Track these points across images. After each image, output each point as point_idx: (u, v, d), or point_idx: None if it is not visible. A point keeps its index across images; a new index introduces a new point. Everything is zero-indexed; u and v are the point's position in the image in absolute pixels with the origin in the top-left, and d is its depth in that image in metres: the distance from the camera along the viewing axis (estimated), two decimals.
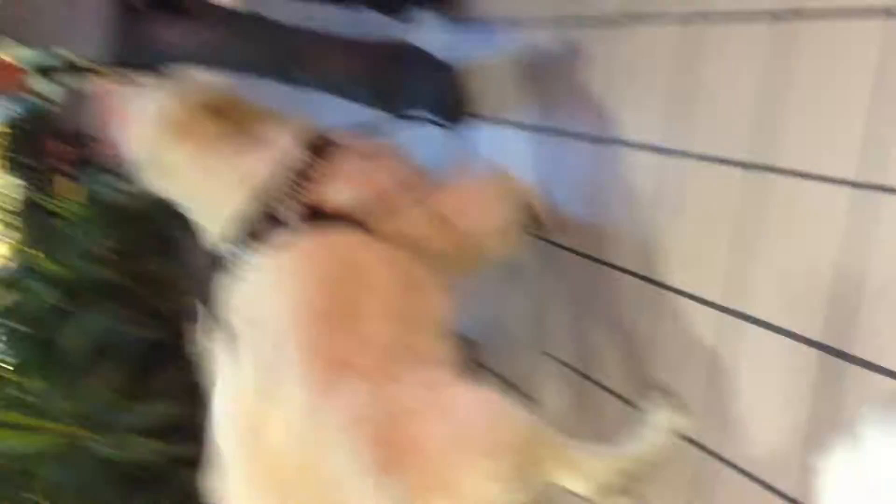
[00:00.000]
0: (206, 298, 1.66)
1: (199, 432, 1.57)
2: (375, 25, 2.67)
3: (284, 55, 2.31)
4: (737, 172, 1.60)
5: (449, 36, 2.53)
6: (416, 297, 1.63)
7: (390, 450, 1.35)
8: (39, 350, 3.23)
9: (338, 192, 1.65)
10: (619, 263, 1.91)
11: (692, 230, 1.73)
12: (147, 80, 1.93)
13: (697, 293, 1.70)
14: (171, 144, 1.72)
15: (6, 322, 3.37)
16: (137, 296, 3.53)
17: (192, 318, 1.72)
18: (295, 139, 1.73)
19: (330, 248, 1.59)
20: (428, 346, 1.60)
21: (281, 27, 2.51)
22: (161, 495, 3.09)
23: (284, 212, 1.61)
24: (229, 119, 1.76)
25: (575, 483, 1.45)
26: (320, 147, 1.72)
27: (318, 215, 1.62)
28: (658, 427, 1.57)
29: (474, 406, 1.43)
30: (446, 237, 1.76)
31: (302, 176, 1.65)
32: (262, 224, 1.61)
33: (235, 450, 1.45)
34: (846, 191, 1.40)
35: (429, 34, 2.58)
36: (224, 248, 1.64)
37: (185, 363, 3.09)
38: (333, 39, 2.32)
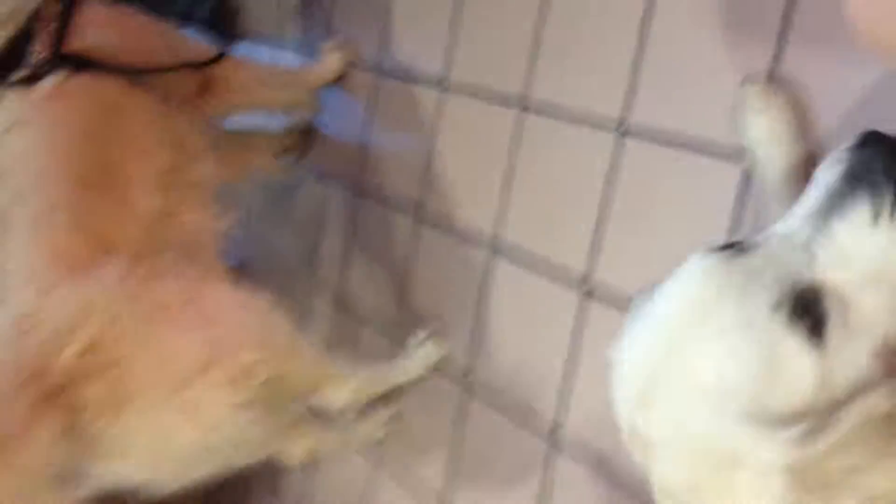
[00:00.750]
0: None
1: None
2: None
3: None
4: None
5: None
6: (183, 161, 1.52)
7: (131, 350, 1.25)
8: None
9: (92, 36, 1.51)
10: (391, 197, 1.85)
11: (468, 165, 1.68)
12: None
13: (469, 228, 1.67)
14: None
15: None
16: None
17: None
18: None
19: (90, 90, 1.46)
20: (196, 224, 1.50)
21: None
22: None
23: (35, 54, 1.46)
24: None
25: (328, 394, 1.47)
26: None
27: (70, 61, 1.47)
28: (417, 358, 1.65)
29: (237, 312, 1.36)
30: (216, 103, 1.68)
31: (48, 20, 1.49)
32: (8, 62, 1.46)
33: None
34: (609, 135, 1.38)
35: None
36: None
37: None
38: None
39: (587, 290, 1.41)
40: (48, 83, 1.46)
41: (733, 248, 0.76)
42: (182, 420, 1.29)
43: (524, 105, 1.54)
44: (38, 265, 1.32)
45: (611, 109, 1.38)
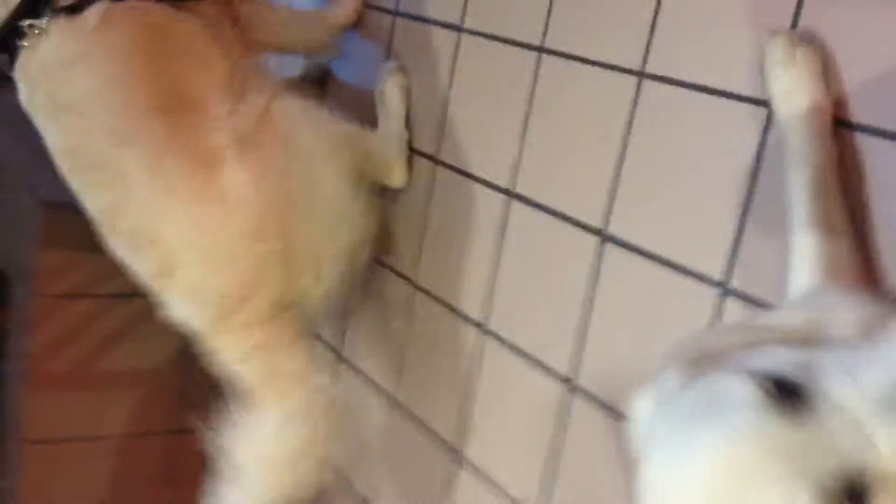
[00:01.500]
0: None
1: None
2: None
3: None
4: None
5: None
6: (237, 69, 1.62)
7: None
8: None
9: None
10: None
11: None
12: None
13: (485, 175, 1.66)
14: None
15: None
16: None
17: None
18: None
19: (136, 17, 1.53)
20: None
21: None
22: None
23: None
24: None
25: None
26: None
27: None
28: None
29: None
30: (243, 41, 1.73)
31: None
32: None
33: None
34: (630, 78, 1.37)
35: None
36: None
37: None
38: None
39: (605, 237, 1.41)
40: (93, 13, 1.50)
41: (784, 387, 0.70)
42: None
43: (542, 49, 1.53)
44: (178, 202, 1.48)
45: (631, 59, 1.37)
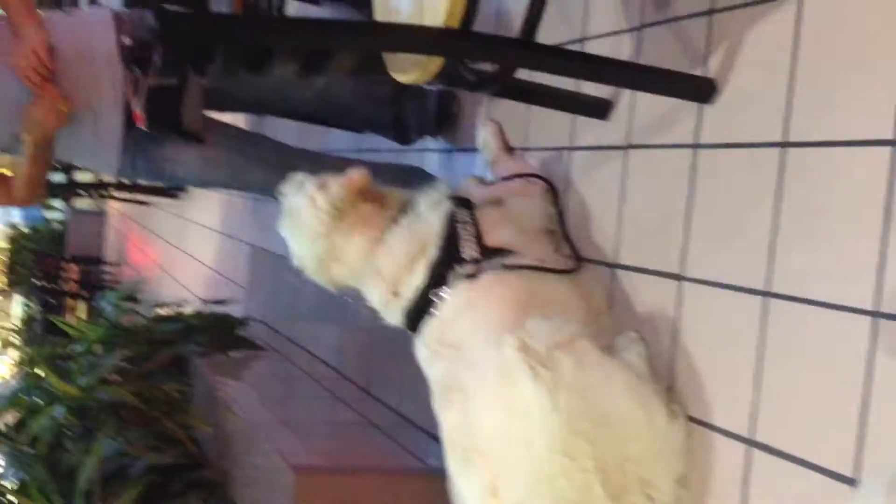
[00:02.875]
0: None
1: None
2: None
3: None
4: None
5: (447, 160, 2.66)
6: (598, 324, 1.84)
7: None
8: (43, 471, 3.15)
9: (496, 234, 1.89)
10: None
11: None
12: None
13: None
14: (343, 230, 1.91)
15: (8, 441, 3.30)
16: (150, 418, 3.45)
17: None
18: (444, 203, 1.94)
19: (520, 280, 1.83)
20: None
21: (296, 152, 2.63)
22: None
23: (466, 253, 1.85)
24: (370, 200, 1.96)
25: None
26: (466, 202, 1.95)
27: (487, 252, 1.86)
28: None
29: None
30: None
31: (469, 226, 1.89)
32: (447, 269, 1.84)
33: None
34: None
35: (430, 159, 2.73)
36: (410, 299, 1.87)
37: (199, 489, 3.03)
38: (349, 162, 2.39)
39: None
40: (488, 276, 1.83)
41: None
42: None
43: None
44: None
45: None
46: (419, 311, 1.85)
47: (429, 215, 1.91)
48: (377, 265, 1.90)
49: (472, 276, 1.82)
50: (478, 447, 1.65)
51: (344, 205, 1.89)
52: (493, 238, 1.87)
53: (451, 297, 1.82)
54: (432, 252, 1.85)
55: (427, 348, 1.85)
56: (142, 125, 2.37)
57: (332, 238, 1.90)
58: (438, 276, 1.84)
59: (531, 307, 1.75)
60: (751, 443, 1.54)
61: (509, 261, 1.84)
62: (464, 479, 1.68)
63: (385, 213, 1.93)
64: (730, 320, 1.60)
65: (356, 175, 1.92)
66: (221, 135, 2.56)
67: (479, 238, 1.86)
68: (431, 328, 1.84)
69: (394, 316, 1.92)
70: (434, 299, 1.83)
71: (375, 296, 1.94)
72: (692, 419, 1.67)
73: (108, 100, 2.37)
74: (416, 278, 1.85)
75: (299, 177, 1.98)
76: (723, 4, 1.68)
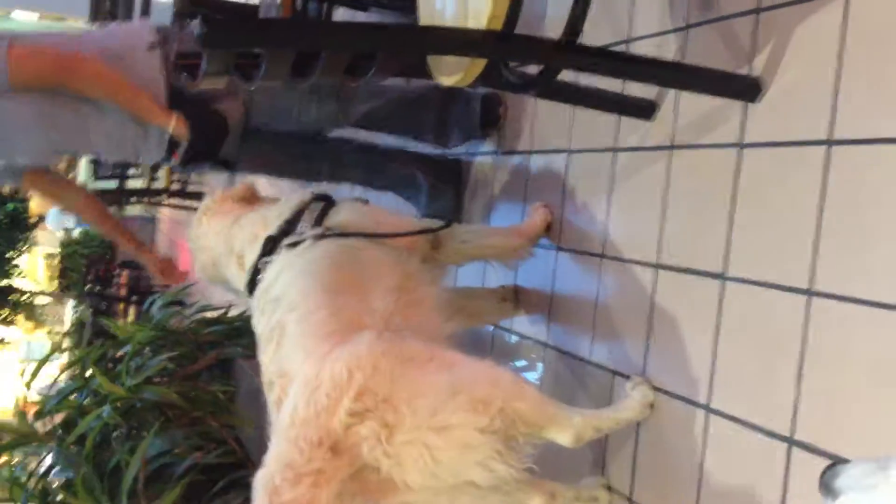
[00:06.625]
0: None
1: None
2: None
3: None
4: None
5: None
6: (409, 284, 2.01)
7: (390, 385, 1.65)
8: (89, 470, 3.20)
9: (339, 218, 2.18)
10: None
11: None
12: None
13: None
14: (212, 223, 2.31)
15: (57, 440, 3.35)
16: (195, 419, 3.50)
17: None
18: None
19: (337, 243, 2.06)
20: (421, 323, 1.93)
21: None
22: None
23: (299, 228, 2.13)
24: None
25: (553, 433, 1.72)
26: (328, 198, 2.26)
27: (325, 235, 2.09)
28: (634, 399, 1.87)
29: (471, 365, 1.75)
30: (447, 253, 2.27)
31: (316, 213, 2.19)
32: (278, 242, 2.11)
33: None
34: None
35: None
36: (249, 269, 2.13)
37: (242, 489, 3.06)
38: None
39: None
40: (308, 242, 2.06)
41: None
42: (439, 440, 1.61)
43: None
44: (311, 344, 1.78)
45: None
46: (254, 277, 2.10)
47: (285, 204, 2.23)
48: (231, 244, 2.22)
49: (293, 245, 2.07)
50: (282, 374, 1.81)
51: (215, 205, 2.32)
52: (332, 220, 2.15)
53: (275, 263, 2.06)
54: (272, 230, 2.14)
55: (257, 308, 2.04)
56: (177, 160, 2.62)
57: (203, 229, 2.31)
58: (270, 248, 2.10)
59: (343, 267, 1.99)
60: (792, 442, 1.53)
61: (328, 231, 2.09)
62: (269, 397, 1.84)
63: (251, 208, 2.29)
64: (773, 319, 1.59)
65: (240, 186, 2.38)
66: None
67: (320, 220, 2.14)
68: (259, 289, 2.05)
69: (242, 288, 2.17)
70: (262, 268, 2.08)
71: (232, 272, 2.23)
72: (734, 419, 1.66)
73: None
74: (255, 251, 2.13)
75: None
76: (769, 3, 1.67)
